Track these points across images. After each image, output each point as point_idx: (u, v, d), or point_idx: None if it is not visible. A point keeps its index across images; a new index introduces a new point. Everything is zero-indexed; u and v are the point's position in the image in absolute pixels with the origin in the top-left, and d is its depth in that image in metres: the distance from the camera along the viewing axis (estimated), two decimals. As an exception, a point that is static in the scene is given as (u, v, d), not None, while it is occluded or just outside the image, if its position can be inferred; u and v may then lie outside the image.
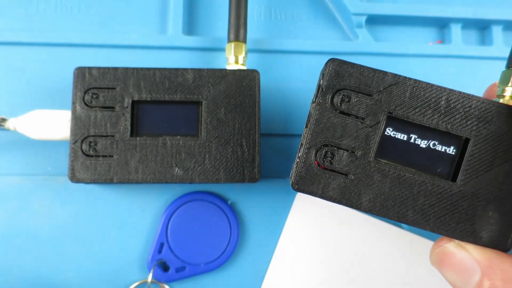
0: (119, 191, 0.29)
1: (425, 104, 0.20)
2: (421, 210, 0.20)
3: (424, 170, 0.20)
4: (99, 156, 0.25)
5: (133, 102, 0.26)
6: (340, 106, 0.20)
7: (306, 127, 0.21)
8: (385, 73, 0.21)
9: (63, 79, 0.29)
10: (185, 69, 0.26)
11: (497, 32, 0.32)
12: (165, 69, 0.26)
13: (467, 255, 0.19)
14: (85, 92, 0.26)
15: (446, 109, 0.20)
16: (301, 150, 0.20)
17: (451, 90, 0.21)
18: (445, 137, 0.21)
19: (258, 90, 0.27)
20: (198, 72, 0.26)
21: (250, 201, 0.29)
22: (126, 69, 0.26)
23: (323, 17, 0.33)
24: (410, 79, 0.20)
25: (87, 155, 0.25)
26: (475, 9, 0.32)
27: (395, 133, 0.21)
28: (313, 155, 0.20)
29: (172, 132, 0.26)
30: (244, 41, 0.28)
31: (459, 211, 0.20)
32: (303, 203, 0.29)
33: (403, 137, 0.21)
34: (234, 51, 0.28)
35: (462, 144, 0.20)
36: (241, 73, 0.27)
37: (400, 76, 0.20)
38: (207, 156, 0.26)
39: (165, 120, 0.26)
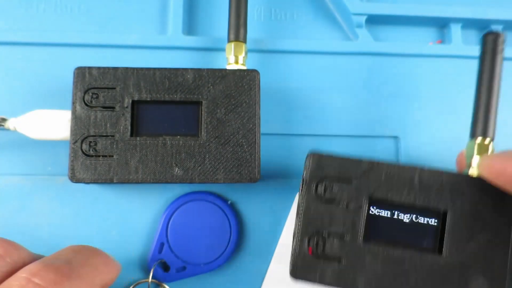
0: (119, 191, 0.29)
1: (401, 184, 0.22)
2: (415, 286, 0.21)
3: (411, 246, 0.22)
4: (99, 156, 0.25)
5: (133, 102, 0.26)
6: (324, 195, 0.22)
7: (297, 216, 0.22)
8: (360, 160, 0.22)
9: (63, 79, 0.29)
10: (185, 69, 0.26)
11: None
12: (165, 69, 0.26)
13: None
14: (85, 92, 0.26)
15: (420, 186, 0.22)
16: (294, 241, 0.22)
17: (422, 169, 0.22)
18: (425, 211, 0.22)
19: (258, 90, 0.27)
20: (198, 72, 0.26)
21: (250, 201, 0.29)
22: (126, 69, 0.26)
23: (323, 17, 0.33)
24: (383, 163, 0.22)
25: (87, 155, 0.25)
26: (475, 9, 0.32)
27: (379, 210, 0.22)
28: (306, 244, 0.22)
29: (172, 132, 0.26)
30: (244, 41, 0.28)
31: (451, 283, 0.21)
32: (303, 203, 0.29)
33: (387, 213, 0.22)
34: (234, 51, 0.28)
35: (442, 216, 0.22)
36: (241, 73, 0.27)
37: (373, 161, 0.22)
38: (207, 156, 0.26)
39: (165, 120, 0.26)
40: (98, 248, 0.21)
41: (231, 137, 0.26)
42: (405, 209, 0.22)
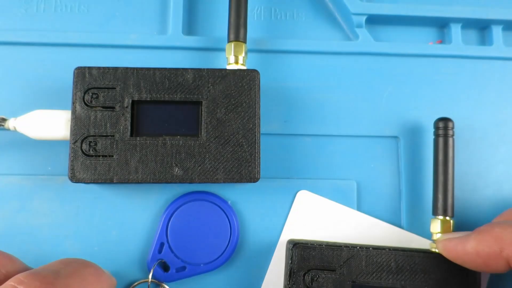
0: (119, 191, 0.29)
1: (380, 269, 0.25)
2: None
3: None
4: (99, 156, 0.25)
5: (133, 102, 0.26)
6: (311, 285, 0.24)
7: None
8: (340, 248, 0.25)
9: (63, 79, 0.29)
10: (185, 69, 0.26)
11: (497, 32, 0.32)
12: (165, 69, 0.26)
13: None
14: (85, 92, 0.26)
15: (397, 269, 0.25)
16: None
17: (397, 252, 0.25)
18: None
19: (258, 90, 0.27)
20: (198, 72, 0.26)
21: (250, 201, 0.29)
22: (126, 69, 0.26)
23: (323, 17, 0.33)
24: (362, 249, 0.25)
25: (87, 155, 0.25)
26: (475, 9, 0.32)
27: None
28: None
29: (172, 132, 0.26)
30: (244, 41, 0.28)
31: None
32: (303, 203, 0.29)
33: None
34: (234, 51, 0.28)
35: None
36: (241, 73, 0.27)
37: (354, 248, 0.25)
38: (207, 156, 0.26)
39: (165, 120, 0.26)
40: (91, 261, 0.22)
41: (231, 137, 0.26)
42: None
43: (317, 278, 0.24)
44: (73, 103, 0.26)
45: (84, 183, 0.25)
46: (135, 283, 0.27)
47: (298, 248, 0.25)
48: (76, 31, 0.30)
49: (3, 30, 0.30)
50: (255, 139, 0.26)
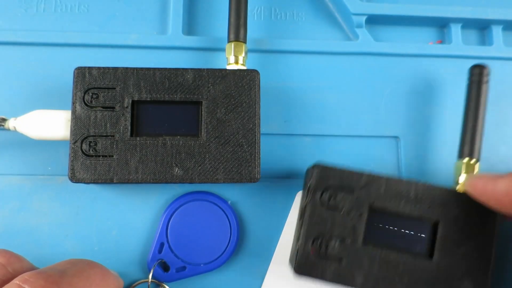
0: (119, 191, 0.29)
1: (398, 196, 0.24)
2: (408, 286, 0.23)
3: (406, 251, 0.24)
4: (99, 156, 0.25)
5: (133, 102, 0.26)
6: (328, 202, 0.24)
7: (300, 219, 0.25)
8: (361, 173, 0.25)
9: (63, 79, 0.29)
10: (185, 69, 0.26)
11: (497, 32, 0.32)
12: (165, 69, 0.26)
13: None
14: (85, 92, 0.26)
15: (416, 199, 0.24)
16: (299, 242, 0.24)
17: (417, 183, 0.24)
18: (419, 221, 0.24)
19: (258, 90, 0.27)
20: (198, 72, 0.26)
21: (250, 201, 0.29)
22: (126, 69, 0.26)
23: (323, 17, 0.33)
24: (382, 177, 0.24)
25: (87, 155, 0.25)
26: (475, 9, 0.32)
27: (377, 222, 0.24)
28: (309, 245, 0.24)
29: (172, 132, 0.26)
30: (244, 41, 0.28)
31: (439, 283, 0.24)
32: (303, 203, 0.29)
33: (385, 222, 0.24)
34: (234, 51, 0.28)
35: (433, 227, 0.24)
36: (241, 73, 0.27)
37: (374, 175, 0.24)
38: (207, 156, 0.26)
39: (165, 120, 0.26)
40: (98, 262, 0.22)
41: (231, 137, 0.26)
42: (401, 219, 0.24)
43: (335, 197, 0.24)
44: (73, 103, 0.26)
45: (84, 183, 0.25)
46: (135, 283, 0.27)
47: (317, 167, 0.25)
48: (76, 31, 0.30)
49: (3, 30, 0.30)
50: (255, 139, 0.26)
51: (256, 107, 0.26)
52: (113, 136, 0.26)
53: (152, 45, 0.30)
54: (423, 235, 0.24)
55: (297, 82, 0.31)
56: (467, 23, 0.32)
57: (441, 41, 0.33)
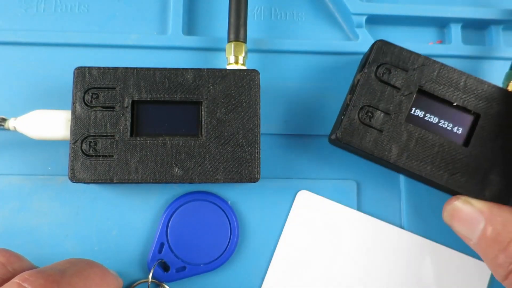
0: (119, 191, 0.29)
1: (448, 83, 0.25)
2: (438, 167, 0.25)
3: (444, 136, 0.25)
4: (99, 156, 0.25)
5: (133, 102, 0.26)
6: (382, 76, 0.25)
7: (350, 94, 0.26)
8: (419, 55, 0.26)
9: (63, 79, 0.29)
10: (185, 69, 0.26)
11: (497, 32, 0.32)
12: (165, 69, 0.26)
13: (473, 209, 0.23)
14: (85, 92, 0.26)
15: (464, 89, 0.25)
16: (347, 109, 0.25)
17: (469, 75, 0.26)
18: (461, 111, 0.26)
19: (258, 90, 0.27)
20: (198, 72, 0.26)
21: (250, 201, 0.29)
22: (126, 69, 0.26)
23: (323, 17, 0.33)
24: (438, 62, 0.26)
25: (87, 155, 0.25)
26: (475, 9, 0.32)
27: (421, 111, 0.26)
28: (356, 112, 0.25)
29: (172, 132, 0.26)
30: (244, 41, 0.28)
31: (468, 171, 0.25)
32: (303, 203, 0.29)
33: (429, 108, 0.26)
34: (234, 51, 0.28)
35: (474, 118, 0.26)
36: (241, 73, 0.27)
37: (430, 58, 0.26)
38: (207, 156, 0.26)
39: (165, 120, 0.26)
40: (97, 262, 0.22)
41: (231, 137, 0.26)
42: (446, 105, 0.26)
43: (389, 72, 0.25)
44: (73, 103, 0.26)
45: (84, 183, 0.25)
46: (135, 283, 0.27)
47: (380, 42, 0.26)
48: (76, 31, 0.30)
49: (3, 30, 0.30)
50: (255, 139, 0.26)
51: (256, 107, 0.26)
52: (113, 136, 0.26)
53: (152, 45, 0.30)
54: (464, 126, 0.26)
55: (297, 82, 0.31)
56: (467, 23, 0.32)
57: (441, 41, 0.33)
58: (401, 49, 0.26)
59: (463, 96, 0.25)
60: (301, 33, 0.32)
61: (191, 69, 0.26)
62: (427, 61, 0.26)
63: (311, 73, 0.31)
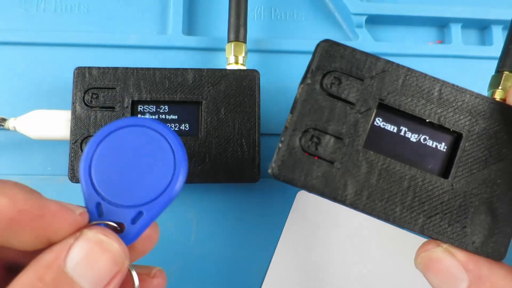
0: (119, 191, 0.29)
1: (418, 94, 0.19)
2: (410, 208, 0.19)
3: (415, 165, 0.19)
4: (99, 156, 0.25)
5: (133, 102, 0.26)
6: (330, 88, 0.19)
7: (291, 113, 0.19)
8: (378, 58, 0.20)
9: (63, 79, 0.29)
10: (185, 69, 0.26)
11: (497, 32, 0.32)
12: (165, 69, 0.26)
13: (455, 263, 0.18)
14: (85, 92, 0.26)
15: (439, 101, 0.19)
16: (285, 133, 0.19)
17: (445, 82, 0.19)
18: (437, 131, 0.20)
19: (258, 90, 0.27)
20: (198, 72, 0.26)
21: (250, 201, 0.29)
22: (126, 69, 0.26)
23: (323, 17, 0.33)
24: (403, 66, 0.20)
25: (87, 155, 0.25)
26: (475, 9, 0.32)
27: (385, 124, 0.20)
28: (297, 139, 0.19)
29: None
30: (244, 41, 0.28)
31: (450, 211, 0.19)
32: (303, 203, 0.29)
33: (393, 129, 0.20)
34: (234, 51, 0.28)
35: (454, 139, 0.20)
36: (241, 73, 0.27)
37: (393, 62, 0.19)
38: (207, 156, 0.26)
39: (165, 120, 0.26)
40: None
41: (231, 137, 0.26)
42: (415, 125, 0.20)
43: (339, 83, 0.19)
44: (73, 103, 0.26)
45: (84, 183, 0.25)
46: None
47: (326, 43, 0.20)
48: (76, 31, 0.30)
49: (3, 30, 0.30)
50: (255, 139, 0.26)
51: (256, 107, 0.26)
52: (113, 136, 0.26)
53: (152, 45, 0.30)
54: (440, 148, 0.20)
55: (297, 82, 0.31)
56: (467, 23, 0.32)
57: (441, 41, 0.33)
58: (354, 50, 0.19)
59: (439, 111, 0.19)
60: (301, 33, 0.32)
61: (191, 69, 0.26)
62: (388, 65, 0.19)
63: (311, 73, 0.31)
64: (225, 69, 0.27)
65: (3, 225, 0.16)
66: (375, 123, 0.19)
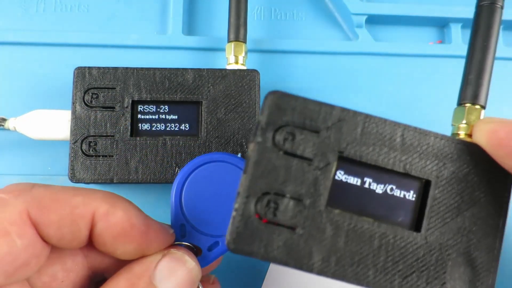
0: (119, 191, 0.29)
1: (379, 142, 0.18)
2: (383, 269, 0.17)
3: (384, 220, 0.18)
4: (99, 156, 0.25)
5: (133, 102, 0.26)
6: (283, 145, 0.17)
7: (244, 173, 0.17)
8: (332, 106, 0.18)
9: (63, 79, 0.29)
10: (185, 69, 0.26)
11: (497, 32, 0.32)
12: (165, 69, 0.26)
13: None
14: (85, 92, 0.26)
15: (403, 147, 0.18)
16: (238, 200, 0.17)
17: (406, 126, 0.18)
18: (403, 179, 0.18)
19: (258, 90, 0.27)
20: (198, 72, 0.26)
21: (250, 201, 0.29)
22: (126, 69, 0.26)
23: (323, 17, 0.33)
24: (361, 113, 0.18)
25: (87, 155, 0.25)
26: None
27: (347, 177, 0.18)
28: (252, 205, 0.17)
29: (172, 132, 0.26)
30: (244, 41, 0.28)
31: (427, 267, 0.18)
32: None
33: (357, 181, 0.18)
34: (234, 51, 0.28)
35: (423, 187, 0.18)
36: (241, 73, 0.27)
37: (349, 110, 0.18)
38: (207, 156, 0.26)
39: (165, 120, 0.26)
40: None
41: (231, 137, 0.26)
42: (379, 176, 0.18)
43: (292, 138, 0.17)
44: (73, 103, 0.26)
45: (84, 183, 0.25)
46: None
47: (274, 96, 0.18)
48: (76, 31, 0.30)
49: (3, 30, 0.30)
50: (255, 139, 0.26)
51: (256, 107, 0.26)
52: (113, 136, 0.26)
53: (152, 45, 0.30)
54: (409, 198, 0.18)
55: (297, 82, 0.31)
56: (467, 23, 0.32)
57: (441, 41, 0.33)
58: (305, 100, 0.18)
59: (403, 158, 0.18)
60: (301, 33, 0.32)
61: (191, 69, 0.26)
62: (344, 113, 0.18)
63: (311, 73, 0.31)
64: (225, 69, 0.27)
65: (116, 235, 0.18)
66: (336, 178, 0.18)
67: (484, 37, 0.21)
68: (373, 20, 0.32)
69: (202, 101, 0.26)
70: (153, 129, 0.26)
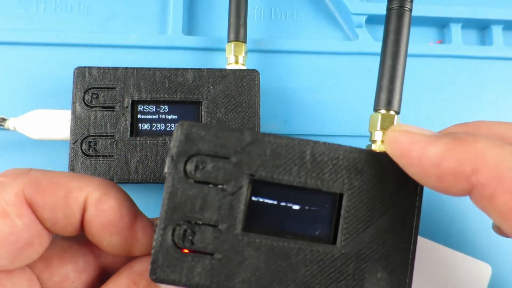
0: (119, 191, 0.29)
1: (289, 161, 0.18)
2: (303, 284, 0.18)
3: (301, 236, 0.18)
4: (99, 156, 0.25)
5: (133, 102, 0.26)
6: (195, 174, 0.18)
7: (162, 205, 0.18)
8: (241, 131, 0.18)
9: (63, 79, 0.29)
10: (185, 69, 0.26)
11: (497, 32, 0.32)
12: (165, 69, 0.26)
13: None
14: (85, 92, 0.26)
15: (313, 163, 0.18)
16: (156, 232, 0.18)
17: (315, 142, 0.18)
18: (317, 195, 0.18)
19: (258, 90, 0.27)
20: (198, 72, 0.26)
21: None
22: (126, 69, 0.26)
23: (323, 17, 0.33)
24: (269, 135, 0.18)
25: (87, 155, 0.25)
26: (475, 9, 0.32)
27: (262, 198, 0.18)
28: (169, 236, 0.18)
29: (172, 132, 0.26)
30: (244, 41, 0.28)
31: (345, 277, 0.18)
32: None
33: (273, 201, 0.18)
34: (234, 51, 0.28)
35: (337, 201, 0.18)
36: (241, 73, 0.27)
37: (258, 133, 0.18)
38: (207, 156, 0.26)
39: (165, 120, 0.26)
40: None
41: (231, 137, 0.26)
42: (294, 194, 0.18)
43: (203, 167, 0.18)
44: (73, 103, 0.26)
45: (84, 183, 0.25)
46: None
47: (182, 127, 0.18)
48: (76, 31, 0.30)
49: (3, 30, 0.30)
50: (255, 139, 0.26)
51: (256, 107, 0.26)
52: (113, 136, 0.26)
53: (152, 45, 0.30)
54: (325, 212, 0.18)
55: (297, 82, 0.31)
56: (467, 23, 0.32)
57: (441, 41, 0.33)
58: (214, 128, 0.18)
59: (314, 175, 0.18)
60: (301, 33, 0.32)
61: (191, 69, 0.26)
62: (254, 137, 0.18)
63: (311, 73, 0.31)
64: (225, 69, 0.27)
65: (104, 223, 0.17)
66: (253, 199, 0.18)
67: (394, 42, 0.21)
68: (373, 20, 0.32)
69: (202, 101, 0.26)
70: (153, 129, 0.26)
